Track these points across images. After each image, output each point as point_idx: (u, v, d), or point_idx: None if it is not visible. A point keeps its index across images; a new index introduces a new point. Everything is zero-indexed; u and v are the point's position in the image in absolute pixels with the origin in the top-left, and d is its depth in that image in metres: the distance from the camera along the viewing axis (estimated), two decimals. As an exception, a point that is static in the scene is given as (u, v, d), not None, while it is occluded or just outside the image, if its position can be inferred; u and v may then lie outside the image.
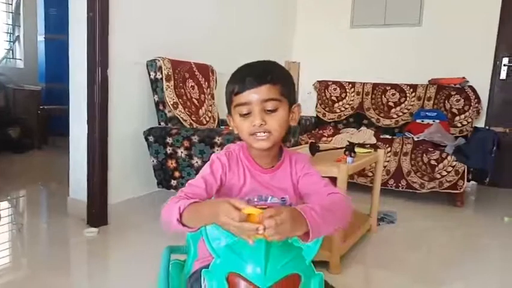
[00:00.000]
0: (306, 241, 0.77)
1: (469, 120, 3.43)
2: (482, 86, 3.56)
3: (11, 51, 5.19)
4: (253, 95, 0.87)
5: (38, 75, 5.02)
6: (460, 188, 2.88)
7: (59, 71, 3.69)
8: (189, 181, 0.93)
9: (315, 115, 4.10)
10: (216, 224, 0.76)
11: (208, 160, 0.97)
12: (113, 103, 2.24)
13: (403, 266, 1.98)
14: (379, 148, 2.90)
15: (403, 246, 2.23)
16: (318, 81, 4.19)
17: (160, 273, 1.05)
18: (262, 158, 0.96)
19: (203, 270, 0.81)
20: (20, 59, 5.23)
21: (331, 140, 3.41)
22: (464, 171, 2.86)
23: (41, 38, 4.95)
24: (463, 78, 3.57)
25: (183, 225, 0.80)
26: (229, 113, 0.96)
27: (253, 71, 0.91)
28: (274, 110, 0.89)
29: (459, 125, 3.44)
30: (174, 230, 0.81)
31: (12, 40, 5.19)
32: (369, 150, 2.37)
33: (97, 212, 2.23)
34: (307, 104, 4.25)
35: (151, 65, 2.37)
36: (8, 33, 5.15)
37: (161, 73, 2.36)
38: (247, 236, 0.71)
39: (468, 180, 2.92)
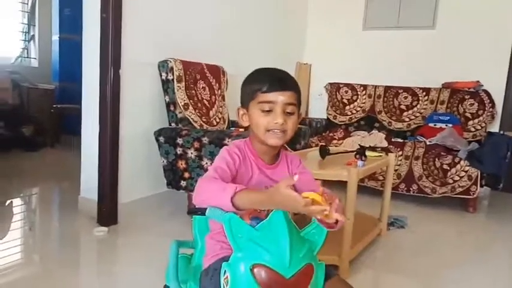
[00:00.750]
0: (334, 228, 0.86)
1: (483, 124, 3.38)
2: (497, 90, 3.49)
3: (25, 50, 5.27)
4: (280, 97, 0.97)
5: (51, 74, 5.09)
6: (473, 194, 2.84)
7: (73, 71, 3.74)
8: (214, 165, 0.97)
9: (325, 117, 4.08)
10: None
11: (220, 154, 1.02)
12: (124, 103, 2.26)
13: (413, 271, 1.95)
14: (390, 152, 2.86)
15: (414, 251, 2.20)
16: (329, 83, 4.17)
17: (169, 265, 1.09)
18: (265, 154, 1.05)
19: (224, 263, 0.83)
20: (35, 58, 5.31)
21: (342, 142, 3.38)
22: (477, 176, 2.82)
23: (55, 37, 5.01)
24: (477, 82, 3.52)
25: (235, 206, 0.83)
26: (245, 106, 1.04)
27: (281, 77, 1.02)
28: (292, 113, 1.00)
29: (473, 129, 3.39)
30: (221, 207, 0.85)
31: (27, 39, 5.27)
32: (380, 154, 2.34)
33: (107, 211, 2.25)
34: (318, 106, 4.24)
35: (163, 65, 2.38)
36: (23, 32, 5.22)
37: (172, 74, 2.37)
38: (316, 214, 0.80)
39: (481, 186, 2.87)
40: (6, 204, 2.59)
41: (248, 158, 1.04)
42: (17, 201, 2.73)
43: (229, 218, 0.83)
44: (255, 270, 0.78)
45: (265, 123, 0.98)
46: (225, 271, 0.81)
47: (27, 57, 5.27)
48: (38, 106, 4.61)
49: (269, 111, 0.98)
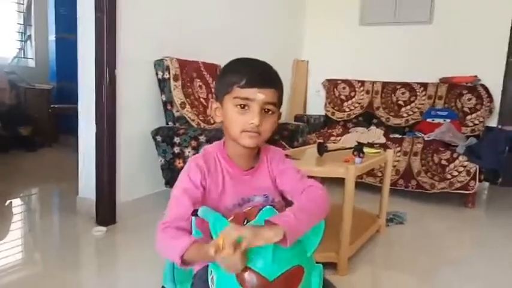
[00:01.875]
0: (285, 245, 0.76)
1: (481, 119, 3.38)
2: (494, 85, 3.49)
3: (22, 51, 5.24)
4: (260, 95, 0.88)
5: (49, 74, 5.07)
6: (472, 189, 2.84)
7: (70, 70, 3.70)
8: (174, 195, 0.93)
9: (323, 114, 4.08)
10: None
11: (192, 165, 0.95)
12: (121, 103, 2.25)
13: (412, 267, 1.95)
14: (389, 148, 2.86)
15: (412, 247, 2.20)
16: (326, 79, 4.16)
17: (166, 266, 1.08)
18: (241, 158, 0.96)
19: (210, 264, 0.82)
20: (32, 58, 5.28)
21: (340, 139, 3.38)
22: (476, 171, 2.82)
23: (51, 37, 5.00)
24: (475, 76, 3.51)
25: (186, 264, 0.85)
26: (219, 99, 0.94)
27: (264, 71, 0.92)
28: (270, 113, 0.91)
29: (471, 124, 3.39)
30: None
31: (23, 39, 5.25)
32: (378, 150, 2.34)
33: (105, 210, 2.24)
34: (316, 103, 4.24)
35: (159, 64, 2.37)
36: (19, 32, 5.20)
37: (169, 73, 2.36)
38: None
39: (480, 181, 2.87)
40: (6, 204, 2.59)
41: (220, 166, 0.95)
42: (16, 202, 2.72)
43: (214, 217, 0.82)
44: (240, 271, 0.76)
45: (240, 123, 0.89)
46: (211, 271, 0.80)
47: (24, 57, 5.25)
48: (35, 106, 4.60)
49: (244, 107, 0.88)
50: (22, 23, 5.18)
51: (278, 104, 0.93)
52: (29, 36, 5.28)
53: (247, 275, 0.76)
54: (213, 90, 2.68)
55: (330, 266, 1.74)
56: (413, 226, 2.50)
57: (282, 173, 0.99)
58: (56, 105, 4.69)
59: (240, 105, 0.88)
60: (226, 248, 0.71)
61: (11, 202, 2.67)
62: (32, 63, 5.28)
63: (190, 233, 0.91)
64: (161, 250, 0.90)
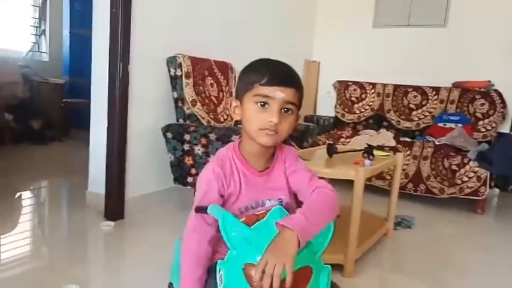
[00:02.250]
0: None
1: (493, 125, 3.34)
2: (508, 90, 3.44)
3: (37, 45, 5.31)
4: (280, 93, 0.88)
5: (62, 69, 5.13)
6: (482, 195, 2.80)
7: (83, 65, 3.75)
8: (197, 201, 0.92)
9: (333, 115, 4.06)
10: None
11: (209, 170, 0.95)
12: (133, 98, 2.27)
13: (419, 272, 1.94)
14: (398, 151, 2.84)
15: (420, 252, 2.18)
16: (337, 81, 4.14)
17: (173, 263, 1.09)
18: (257, 158, 0.96)
19: (219, 261, 0.82)
20: (46, 53, 5.34)
21: (350, 141, 3.36)
22: (486, 177, 2.78)
23: (66, 32, 5.05)
24: (489, 81, 3.47)
25: None
26: (239, 97, 0.95)
27: (284, 71, 0.94)
28: (289, 113, 0.91)
29: (483, 129, 3.35)
30: None
31: (38, 34, 5.31)
32: (388, 153, 2.32)
33: (114, 205, 2.26)
34: (326, 104, 4.22)
35: (171, 61, 2.39)
36: (34, 26, 5.26)
37: (181, 70, 2.37)
38: None
39: (490, 187, 2.84)
40: (16, 197, 2.62)
41: (236, 168, 0.95)
42: (25, 194, 2.76)
43: (224, 216, 0.82)
44: (247, 270, 0.76)
45: (259, 121, 0.89)
46: (219, 269, 0.80)
47: (38, 51, 5.31)
48: (48, 100, 4.65)
49: (264, 106, 0.88)
50: (37, 17, 5.24)
51: (298, 104, 0.93)
52: (44, 30, 5.34)
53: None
54: (224, 88, 2.70)
55: (336, 268, 1.73)
56: (422, 230, 2.48)
57: (294, 173, 0.99)
58: (68, 100, 4.74)
59: (260, 102, 0.89)
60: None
61: (21, 194, 2.71)
62: (46, 57, 5.34)
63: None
64: (182, 259, 0.94)
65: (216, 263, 0.87)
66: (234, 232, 0.81)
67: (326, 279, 0.81)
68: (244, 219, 0.87)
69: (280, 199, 0.98)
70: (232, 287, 0.78)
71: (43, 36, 5.36)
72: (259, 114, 0.89)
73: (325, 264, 0.85)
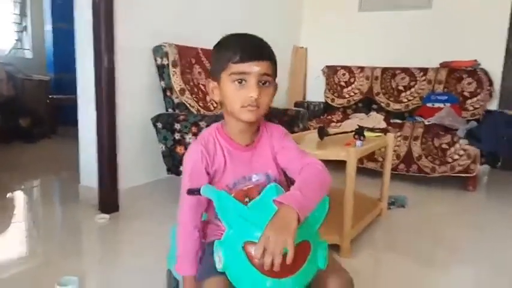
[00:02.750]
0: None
1: (481, 103, 3.37)
2: (494, 69, 3.48)
3: (19, 42, 5.20)
4: (255, 67, 0.88)
5: (46, 65, 5.03)
6: (473, 172, 2.84)
7: (67, 61, 3.67)
8: (184, 185, 0.94)
9: (323, 101, 4.07)
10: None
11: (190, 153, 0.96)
12: (120, 90, 2.24)
13: (413, 250, 1.96)
14: (389, 132, 2.86)
15: (414, 231, 2.21)
16: (326, 66, 4.14)
17: (170, 250, 1.09)
18: (242, 134, 0.96)
19: (217, 241, 0.81)
20: (28, 49, 5.24)
21: (340, 125, 3.37)
22: (477, 154, 2.82)
23: (48, 27, 4.95)
24: (475, 60, 3.50)
25: None
26: (215, 78, 0.94)
27: (256, 44, 0.93)
28: (267, 85, 0.91)
29: (471, 108, 3.38)
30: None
31: (20, 30, 5.19)
32: (379, 134, 2.34)
33: (108, 198, 2.25)
34: (316, 90, 4.22)
35: (158, 50, 2.36)
36: (15, 23, 5.15)
37: (167, 59, 2.35)
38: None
39: (481, 164, 2.88)
40: (7, 196, 2.59)
41: (220, 146, 0.95)
42: (18, 193, 2.71)
43: (218, 195, 0.82)
44: (248, 248, 0.76)
45: (238, 98, 0.89)
46: (218, 249, 0.80)
47: (21, 48, 5.20)
48: (33, 97, 4.57)
49: (242, 83, 0.88)
50: (18, 13, 5.13)
51: (274, 76, 0.92)
52: (25, 27, 5.23)
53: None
54: (212, 76, 2.67)
55: (332, 248, 1.74)
56: (415, 210, 2.51)
57: (283, 149, 0.99)
58: (55, 96, 4.67)
59: (238, 80, 0.88)
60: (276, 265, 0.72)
61: (12, 194, 2.66)
62: (29, 54, 5.24)
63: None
64: (177, 239, 0.98)
65: (209, 243, 0.87)
66: (231, 211, 0.80)
67: (324, 253, 0.81)
68: (233, 195, 0.87)
69: (267, 173, 0.97)
70: (233, 266, 0.78)
71: (25, 32, 5.25)
72: (238, 92, 0.89)
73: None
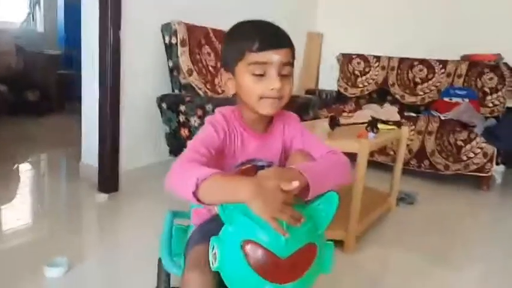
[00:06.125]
0: (305, 197, 0.75)
1: (502, 100, 3.22)
2: (518, 64, 3.31)
3: (31, 15, 5.14)
4: (275, 56, 0.81)
5: (57, 40, 4.98)
6: (488, 171, 2.72)
7: (78, 36, 3.64)
8: (194, 142, 0.83)
9: (336, 89, 3.94)
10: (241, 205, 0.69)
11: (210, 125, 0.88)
12: (125, 67, 2.16)
13: (421, 248, 1.88)
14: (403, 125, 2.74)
15: (423, 228, 2.12)
16: (341, 54, 4.00)
17: (162, 236, 1.04)
18: (256, 123, 0.91)
19: (212, 238, 0.74)
20: (40, 24, 5.19)
21: (352, 115, 3.24)
22: (493, 153, 2.70)
23: (60, 2, 4.89)
24: (498, 54, 3.33)
25: (199, 200, 0.71)
26: (229, 69, 0.87)
27: (274, 31, 0.86)
28: (288, 75, 0.84)
29: (490, 104, 3.23)
30: (188, 200, 0.72)
31: (33, 4, 5.13)
32: (392, 127, 2.23)
33: (108, 178, 2.20)
34: (328, 78, 4.10)
35: (166, 29, 2.27)
36: (29, -4, 5.09)
37: (176, 38, 2.26)
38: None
39: (497, 164, 2.75)
40: (13, 168, 2.56)
41: (235, 130, 0.89)
42: (22, 166, 2.70)
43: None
44: (246, 247, 0.69)
45: (258, 90, 0.82)
46: (213, 246, 0.72)
47: (33, 22, 5.15)
48: (42, 72, 4.52)
49: (262, 75, 0.81)
50: (31, -14, 5.06)
51: (293, 63, 0.86)
52: (38, 0, 5.16)
53: (255, 251, 0.68)
54: (222, 58, 2.57)
55: (336, 244, 1.66)
56: (425, 207, 2.42)
57: (303, 136, 0.93)
58: (63, 71, 4.62)
59: (257, 71, 0.81)
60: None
61: (17, 166, 2.64)
62: (40, 28, 5.19)
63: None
64: (173, 183, 0.75)
65: (205, 222, 0.83)
66: (233, 206, 0.71)
67: (330, 256, 0.75)
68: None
69: (270, 163, 0.92)
70: (229, 266, 0.71)
71: (37, 6, 5.19)
72: (258, 84, 0.82)
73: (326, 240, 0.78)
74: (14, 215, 1.94)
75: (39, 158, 2.99)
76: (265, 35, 0.82)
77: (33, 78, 4.43)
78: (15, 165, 2.64)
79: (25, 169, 2.69)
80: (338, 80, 3.95)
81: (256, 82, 0.82)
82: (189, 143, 0.83)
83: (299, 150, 0.91)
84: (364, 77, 3.84)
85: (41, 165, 2.86)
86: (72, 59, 4.63)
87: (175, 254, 1.01)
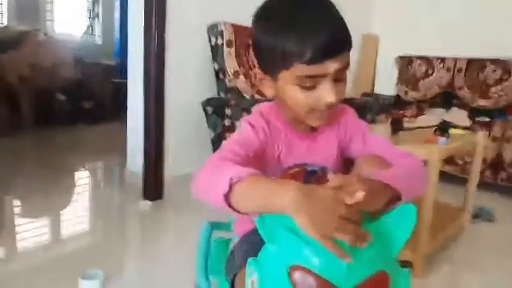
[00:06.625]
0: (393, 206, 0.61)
1: None
2: None
3: (90, 28, 5.39)
4: (332, 65, 0.63)
5: (113, 51, 5.17)
6: None
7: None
8: (229, 144, 0.68)
9: (393, 94, 3.66)
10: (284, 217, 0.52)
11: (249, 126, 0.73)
12: (170, 70, 2.10)
13: (499, 272, 1.61)
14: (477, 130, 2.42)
15: (502, 249, 1.84)
16: (399, 56, 3.71)
17: (198, 250, 0.91)
18: (299, 123, 0.75)
19: (250, 260, 0.59)
20: (99, 35, 5.42)
21: (415, 121, 2.96)
22: None
23: (116, 15, 5.08)
24: None
25: (230, 206, 0.56)
26: (268, 72, 0.69)
27: (332, 32, 0.64)
28: (343, 80, 0.68)
29: None
30: (218, 207, 0.57)
31: (92, 17, 5.38)
32: (465, 132, 1.95)
33: (152, 185, 2.14)
34: (386, 82, 3.82)
35: (212, 29, 2.18)
36: (88, 10, 5.35)
37: (222, 39, 2.15)
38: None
39: None
40: (63, 175, 2.62)
41: (277, 129, 0.75)
42: (74, 173, 2.77)
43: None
44: (294, 274, 0.53)
45: (307, 102, 0.66)
46: (251, 271, 0.56)
47: (92, 34, 5.39)
48: (99, 81, 4.70)
49: (313, 86, 0.65)
50: (91, 0, 5.31)
51: (349, 64, 0.68)
52: (97, 14, 5.41)
53: (307, 280, 0.53)
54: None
55: (402, 266, 1.43)
56: (504, 225, 2.09)
57: (365, 136, 0.78)
58: (119, 81, 4.75)
59: (306, 85, 0.65)
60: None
61: (70, 173, 2.70)
62: (99, 40, 5.42)
63: None
64: (200, 185, 0.62)
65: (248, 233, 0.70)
66: (276, 220, 0.55)
67: (407, 284, 0.58)
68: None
69: (323, 168, 0.76)
70: None
71: (96, 19, 5.43)
72: (307, 97, 0.66)
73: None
74: (59, 222, 1.93)
75: (89, 165, 3.04)
76: (320, 40, 0.62)
77: (90, 88, 4.60)
78: (69, 173, 2.69)
79: (73, 176, 2.73)
80: (396, 84, 3.67)
81: (305, 94, 0.66)
82: (223, 143, 0.69)
83: (370, 154, 0.74)
84: (426, 80, 3.52)
85: (90, 173, 2.90)
86: (126, 69, 4.77)
87: (215, 271, 0.87)
